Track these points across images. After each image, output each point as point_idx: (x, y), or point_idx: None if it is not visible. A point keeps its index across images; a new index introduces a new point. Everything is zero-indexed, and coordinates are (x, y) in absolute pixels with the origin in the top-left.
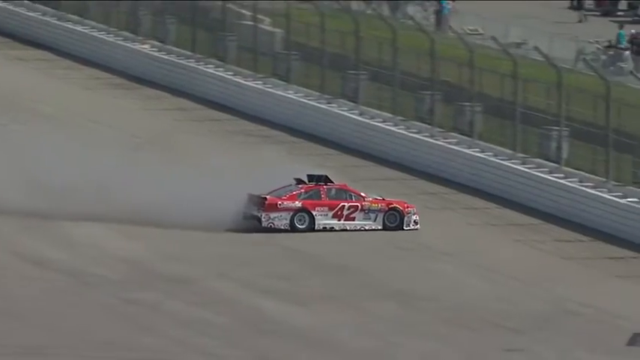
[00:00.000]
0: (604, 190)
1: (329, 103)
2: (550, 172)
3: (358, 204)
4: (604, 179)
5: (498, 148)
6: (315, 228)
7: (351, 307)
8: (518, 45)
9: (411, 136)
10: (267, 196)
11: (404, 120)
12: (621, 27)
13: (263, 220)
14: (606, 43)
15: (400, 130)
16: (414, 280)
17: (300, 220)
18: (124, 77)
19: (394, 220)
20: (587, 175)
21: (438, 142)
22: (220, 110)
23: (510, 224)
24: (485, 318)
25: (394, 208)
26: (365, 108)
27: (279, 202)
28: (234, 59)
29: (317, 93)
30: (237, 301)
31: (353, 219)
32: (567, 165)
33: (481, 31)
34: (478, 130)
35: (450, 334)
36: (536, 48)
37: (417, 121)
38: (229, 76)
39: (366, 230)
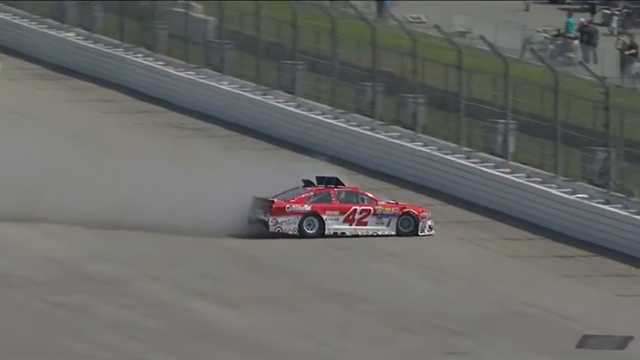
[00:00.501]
0: (552, 185)
1: (265, 95)
2: (496, 167)
3: (371, 208)
4: (552, 174)
5: (442, 141)
6: (326, 233)
7: (288, 309)
8: (463, 34)
9: (351, 130)
10: (275, 199)
11: (343, 112)
12: (570, 15)
13: (270, 224)
14: (554, 32)
15: (340, 123)
16: (356, 281)
17: (309, 224)
18: (49, 67)
19: (408, 225)
20: (534, 170)
21: (379, 136)
22: (150, 102)
23: (455, 221)
24: (429, 320)
25: (408, 213)
26: (302, 100)
27: (288, 206)
28: (165, 48)
29: (252, 84)
30: (169, 303)
31: (365, 224)
32: (514, 159)
33: (424, 20)
34: (421, 123)
35: (392, 337)
36: (481, 37)
37: (358, 114)
38: (159, 66)
39: (378, 236)
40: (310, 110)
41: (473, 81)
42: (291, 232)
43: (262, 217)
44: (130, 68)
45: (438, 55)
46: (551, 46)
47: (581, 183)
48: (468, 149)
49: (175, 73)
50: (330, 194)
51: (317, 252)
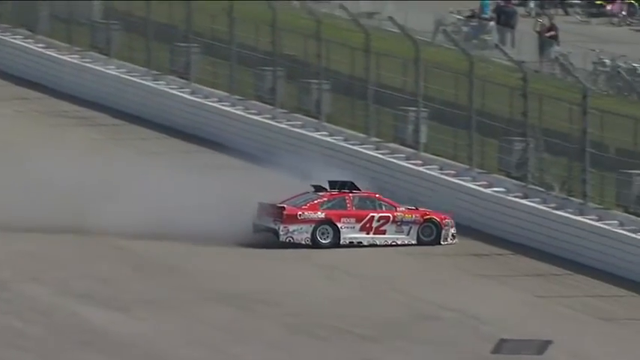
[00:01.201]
0: (467, 178)
1: (156, 80)
2: (407, 159)
3: (390, 215)
4: (467, 166)
5: (349, 131)
6: (341, 243)
7: (180, 312)
8: (371, 15)
9: (250, 118)
10: (285, 205)
11: (242, 99)
12: None
13: (281, 233)
14: (468, 13)
15: (238, 111)
16: (255, 282)
17: (322, 233)
18: None
19: (430, 233)
20: (448, 161)
21: (280, 125)
22: (29, 87)
23: None
24: (334, 324)
25: (430, 220)
26: (197, 86)
27: (300, 213)
28: (47, 29)
29: (142, 68)
30: (52, 307)
31: (384, 232)
32: (426, 150)
33: None
34: (326, 112)
35: (293, 343)
36: (390, 18)
37: (257, 101)
38: (40, 49)
39: (397, 245)
40: (206, 97)
41: (382, 65)
42: (303, 242)
43: (272, 225)
44: (8, 50)
45: (343, 38)
46: (465, 28)
47: (497, 175)
48: (377, 139)
49: (58, 56)
50: (345, 200)
51: (213, 250)
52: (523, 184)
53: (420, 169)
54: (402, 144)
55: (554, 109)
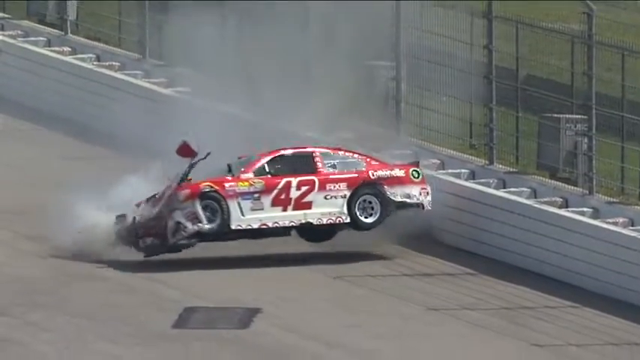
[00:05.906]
0: (138, 72)
1: None
2: (49, 45)
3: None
4: (139, 55)
5: None
6: None
7: None
8: None
9: None
10: None
11: None
12: None
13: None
14: None
15: None
16: None
17: None
18: None
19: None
20: (110, 48)
21: None
22: None
23: None
24: None
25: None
26: None
27: None
28: None
29: None
30: None
31: None
32: (76, 32)
33: None
34: None
35: None
36: None
37: None
38: None
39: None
40: None
41: None
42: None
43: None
44: None
45: None
46: None
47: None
48: (4, 15)
49: None
50: None
51: None
52: None
53: (68, 59)
54: (42, 22)
55: None
